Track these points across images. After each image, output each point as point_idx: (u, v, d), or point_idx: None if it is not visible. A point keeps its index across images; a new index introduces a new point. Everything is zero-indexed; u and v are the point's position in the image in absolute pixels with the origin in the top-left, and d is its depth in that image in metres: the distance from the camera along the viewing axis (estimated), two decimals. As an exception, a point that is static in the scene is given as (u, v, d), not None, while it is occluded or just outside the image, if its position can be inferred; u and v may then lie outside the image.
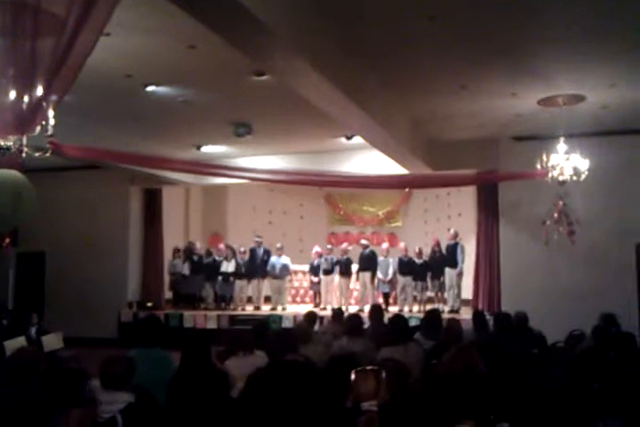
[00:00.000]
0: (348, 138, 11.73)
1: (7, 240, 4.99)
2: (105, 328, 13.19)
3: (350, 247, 13.82)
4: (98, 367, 3.46)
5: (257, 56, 6.09)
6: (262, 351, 5.06)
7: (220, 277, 13.63)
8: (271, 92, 8.56)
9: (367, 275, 12.98)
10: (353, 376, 2.94)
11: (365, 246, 13.30)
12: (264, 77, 8.00)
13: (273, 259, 13.54)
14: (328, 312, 10.52)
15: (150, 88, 8.65)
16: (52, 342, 8.74)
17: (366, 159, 12.57)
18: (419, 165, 11.42)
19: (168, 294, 14.44)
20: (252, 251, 13.69)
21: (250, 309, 13.55)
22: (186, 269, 13.92)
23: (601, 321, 6.89)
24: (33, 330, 8.96)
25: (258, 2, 4.86)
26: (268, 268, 13.47)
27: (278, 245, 13.76)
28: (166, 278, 14.34)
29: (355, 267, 13.30)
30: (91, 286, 13.53)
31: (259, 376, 2.99)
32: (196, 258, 13.95)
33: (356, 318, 6.55)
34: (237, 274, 13.52)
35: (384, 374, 2.97)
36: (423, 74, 8.03)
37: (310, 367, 3.80)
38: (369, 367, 3.03)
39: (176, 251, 14.20)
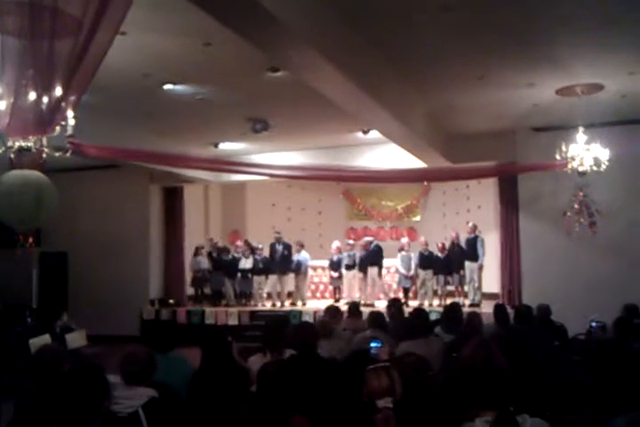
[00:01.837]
0: (365, 132, 11.72)
1: (30, 240, 5.05)
2: (127, 326, 13.30)
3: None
4: (119, 363, 3.48)
5: (271, 51, 6.11)
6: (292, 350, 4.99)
7: (239, 274, 13.70)
8: (287, 87, 8.58)
9: (374, 270, 12.96)
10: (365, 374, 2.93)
11: (370, 242, 13.29)
12: (279, 73, 8.03)
13: (295, 255, 13.58)
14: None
15: (167, 86, 8.71)
16: (75, 339, 8.85)
17: (383, 153, 12.54)
18: (436, 158, 11.37)
19: (189, 291, 14.55)
20: (272, 247, 13.71)
21: (270, 305, 13.58)
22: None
23: (624, 312, 6.82)
24: (58, 327, 9.07)
25: (271, -2, 4.88)
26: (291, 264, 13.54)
27: (297, 241, 13.80)
28: (188, 276, 14.45)
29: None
30: (113, 285, 13.68)
31: (269, 370, 2.99)
32: (215, 255, 14.03)
33: (377, 313, 6.58)
34: (255, 270, 13.56)
35: (396, 371, 2.95)
36: (439, 65, 7.99)
37: (327, 362, 3.82)
38: (380, 364, 3.01)
39: (199, 248, 14.31)
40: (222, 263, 13.86)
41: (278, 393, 2.71)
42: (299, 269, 13.53)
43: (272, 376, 2.87)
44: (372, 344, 4.13)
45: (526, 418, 2.52)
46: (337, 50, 6.31)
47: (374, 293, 12.92)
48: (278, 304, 13.42)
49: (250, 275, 13.61)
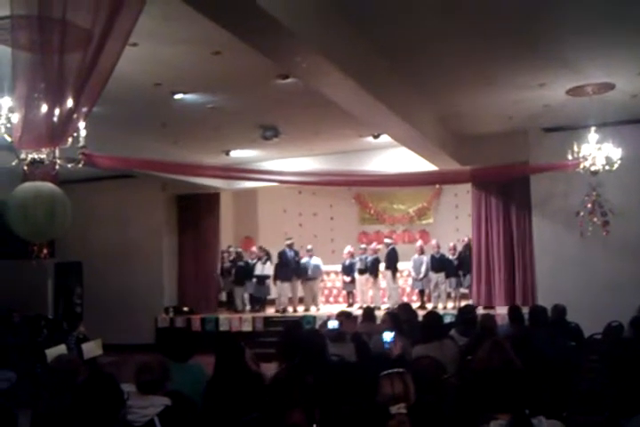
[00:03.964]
0: (375, 137, 11.71)
1: (45, 251, 5.10)
2: (142, 334, 13.37)
3: (380, 246, 13.83)
4: (134, 373, 3.49)
5: (280, 59, 6.15)
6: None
7: (254, 280, 13.69)
8: (296, 94, 8.61)
9: (388, 273, 13.01)
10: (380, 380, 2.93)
11: (387, 245, 13.37)
12: (289, 80, 8.05)
13: (304, 260, 13.58)
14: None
15: (178, 96, 8.77)
16: (91, 349, 8.85)
17: (394, 157, 12.53)
18: (448, 161, 11.35)
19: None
20: (282, 253, 13.65)
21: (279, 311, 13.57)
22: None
23: (639, 312, 6.78)
24: (74, 338, 9.10)
25: (279, 6, 4.91)
26: (305, 269, 13.55)
27: (309, 246, 13.82)
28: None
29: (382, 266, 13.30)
30: (128, 293, 13.72)
31: (279, 377, 2.99)
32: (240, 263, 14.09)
33: (394, 313, 6.61)
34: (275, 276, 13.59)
35: (410, 376, 2.95)
36: (447, 69, 7.98)
37: (342, 366, 3.81)
38: (394, 370, 3.01)
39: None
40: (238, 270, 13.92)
41: (284, 398, 2.71)
42: (314, 275, 13.53)
43: (280, 382, 2.87)
44: (385, 338, 4.11)
45: (542, 420, 2.51)
46: (345, 56, 6.33)
47: (393, 296, 12.92)
48: (290, 310, 13.42)
49: (267, 281, 13.63)
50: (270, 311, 13.63)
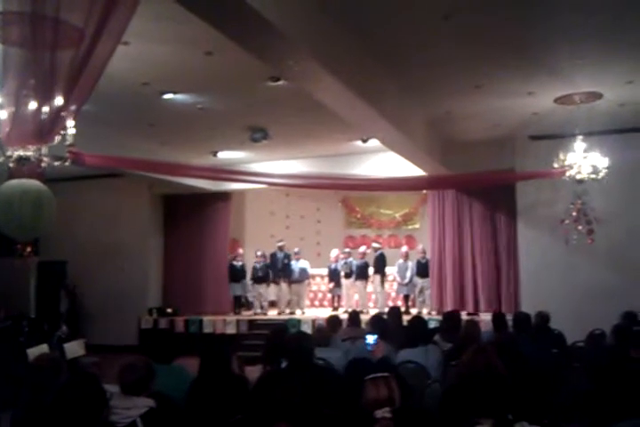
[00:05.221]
0: (364, 141, 11.74)
1: (28, 249, 5.06)
2: (125, 335, 13.27)
3: (367, 250, 13.86)
4: (117, 373, 3.47)
5: (272, 61, 6.15)
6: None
7: (244, 282, 13.78)
8: (287, 97, 8.61)
9: (377, 278, 13.05)
10: (364, 384, 2.93)
11: (376, 249, 13.41)
12: (280, 83, 8.05)
13: (292, 263, 13.59)
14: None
15: (167, 96, 8.74)
16: (74, 349, 8.79)
17: (382, 162, 12.55)
18: (435, 167, 11.39)
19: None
20: (273, 255, 13.70)
21: (271, 313, 13.56)
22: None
23: (622, 319, 6.83)
24: (56, 337, 9.04)
25: (272, 8, 4.92)
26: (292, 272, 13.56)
27: (296, 249, 13.81)
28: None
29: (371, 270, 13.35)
30: (111, 294, 13.64)
31: (269, 378, 2.98)
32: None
33: (379, 316, 6.62)
34: (256, 279, 13.59)
35: (395, 381, 2.95)
36: (439, 75, 8.03)
37: (327, 370, 3.81)
38: (379, 375, 3.01)
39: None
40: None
41: (268, 403, 2.70)
42: (301, 278, 13.55)
43: (265, 386, 2.86)
44: (368, 340, 4.11)
45: (525, 426, 2.52)
46: (337, 60, 6.33)
47: (380, 301, 12.94)
48: (287, 311, 13.44)
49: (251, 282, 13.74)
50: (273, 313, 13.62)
